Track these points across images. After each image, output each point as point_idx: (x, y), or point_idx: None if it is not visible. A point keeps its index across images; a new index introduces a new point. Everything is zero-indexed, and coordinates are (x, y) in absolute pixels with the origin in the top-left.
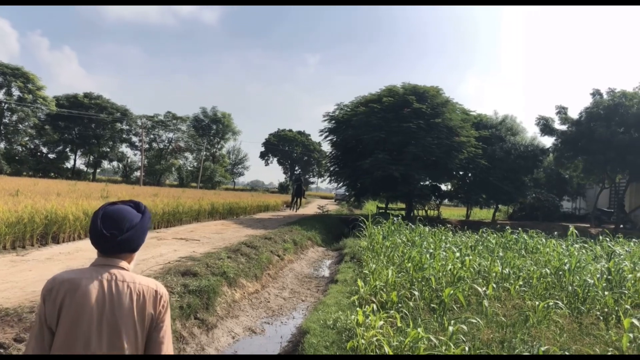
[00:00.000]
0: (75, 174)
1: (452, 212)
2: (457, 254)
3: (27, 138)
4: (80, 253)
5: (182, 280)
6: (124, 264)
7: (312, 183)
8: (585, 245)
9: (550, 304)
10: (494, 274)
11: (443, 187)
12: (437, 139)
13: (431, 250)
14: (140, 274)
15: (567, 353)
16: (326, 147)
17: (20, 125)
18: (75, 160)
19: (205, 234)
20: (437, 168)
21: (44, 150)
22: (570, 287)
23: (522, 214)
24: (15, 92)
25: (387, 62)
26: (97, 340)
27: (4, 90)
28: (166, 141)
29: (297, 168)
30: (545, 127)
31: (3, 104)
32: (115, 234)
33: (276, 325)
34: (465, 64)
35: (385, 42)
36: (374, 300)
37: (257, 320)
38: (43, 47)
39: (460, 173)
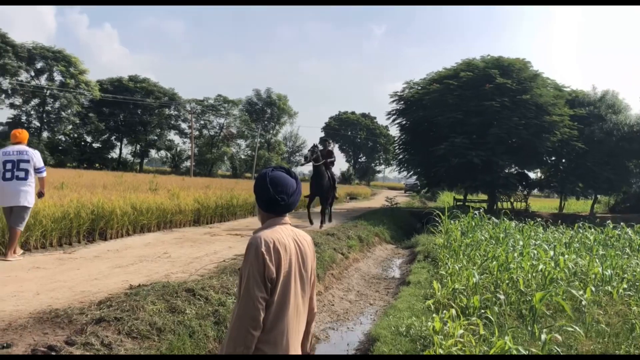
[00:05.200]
0: (121, 165)
1: (543, 203)
2: (550, 253)
3: (70, 126)
4: (129, 250)
5: (238, 281)
6: (288, 220)
7: (379, 172)
8: None
9: None
10: (593, 276)
11: (532, 174)
12: (525, 118)
13: (519, 248)
14: (193, 272)
15: None
16: (394, 131)
17: (63, 113)
18: (120, 150)
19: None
20: (525, 152)
21: (88, 139)
22: None
23: (625, 205)
24: (57, 77)
25: (465, 32)
26: (300, 281)
27: (45, 76)
28: (217, 127)
29: (315, 148)
30: None
31: (45, 91)
32: (285, 198)
33: (342, 332)
34: (559, 32)
35: (463, 9)
36: (453, 304)
37: (321, 325)
38: (82, 25)
39: (552, 158)
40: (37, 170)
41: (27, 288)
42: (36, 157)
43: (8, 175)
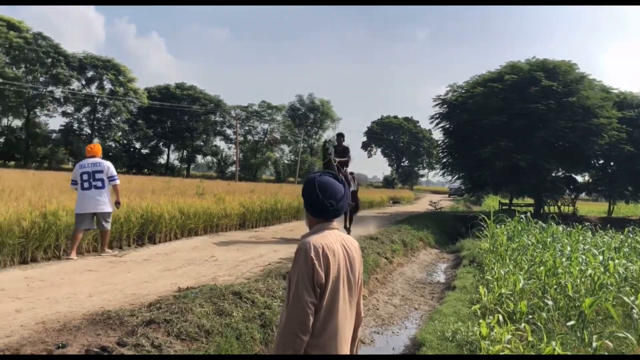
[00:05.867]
0: (169, 170)
1: (591, 207)
2: (599, 257)
3: (120, 133)
4: (177, 254)
5: (285, 284)
6: (336, 225)
7: (422, 176)
8: None
9: None
10: None
11: (579, 178)
12: (572, 121)
13: (567, 253)
14: (239, 275)
15: None
16: (437, 135)
17: (113, 120)
18: (168, 156)
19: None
20: (572, 156)
21: (137, 145)
22: None
23: None
24: (107, 86)
25: (510, 34)
26: (347, 285)
27: (96, 84)
28: (261, 133)
29: (327, 139)
30: None
31: (96, 99)
32: (333, 204)
33: (387, 336)
34: (606, 32)
35: (508, 11)
36: (500, 310)
37: (366, 329)
38: (130, 34)
39: (600, 161)
40: (110, 179)
41: (80, 290)
42: (109, 167)
43: (86, 185)
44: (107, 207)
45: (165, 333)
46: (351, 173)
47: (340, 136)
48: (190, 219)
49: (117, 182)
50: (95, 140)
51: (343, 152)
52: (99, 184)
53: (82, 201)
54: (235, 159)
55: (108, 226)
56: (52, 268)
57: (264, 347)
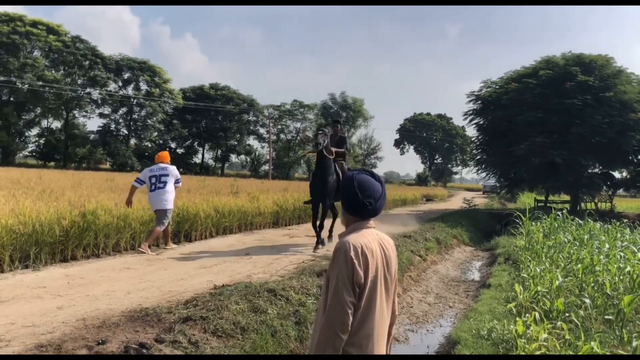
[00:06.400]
0: (204, 169)
1: (629, 204)
2: (639, 254)
3: (156, 133)
4: (213, 251)
5: (318, 282)
6: (373, 224)
7: (456, 173)
8: None
9: None
10: None
11: (617, 174)
12: (609, 116)
13: (605, 250)
14: (273, 273)
15: None
16: (471, 132)
17: (149, 121)
18: (203, 155)
19: (339, 231)
20: (609, 151)
21: (173, 145)
22: None
23: None
24: (143, 87)
25: (544, 27)
26: (384, 284)
27: (132, 86)
28: (294, 132)
29: (323, 129)
30: None
31: (132, 100)
32: (372, 203)
33: (421, 334)
34: None
35: (541, 7)
36: (536, 308)
37: (400, 327)
38: (165, 36)
39: (638, 157)
40: (176, 182)
41: (119, 288)
42: (174, 172)
43: (152, 187)
44: (166, 205)
45: (202, 330)
46: (349, 169)
47: (337, 123)
48: (225, 218)
49: (179, 185)
50: (132, 141)
51: (339, 142)
52: (162, 185)
53: (150, 202)
54: (268, 157)
55: (162, 227)
56: (91, 266)
57: (298, 344)
